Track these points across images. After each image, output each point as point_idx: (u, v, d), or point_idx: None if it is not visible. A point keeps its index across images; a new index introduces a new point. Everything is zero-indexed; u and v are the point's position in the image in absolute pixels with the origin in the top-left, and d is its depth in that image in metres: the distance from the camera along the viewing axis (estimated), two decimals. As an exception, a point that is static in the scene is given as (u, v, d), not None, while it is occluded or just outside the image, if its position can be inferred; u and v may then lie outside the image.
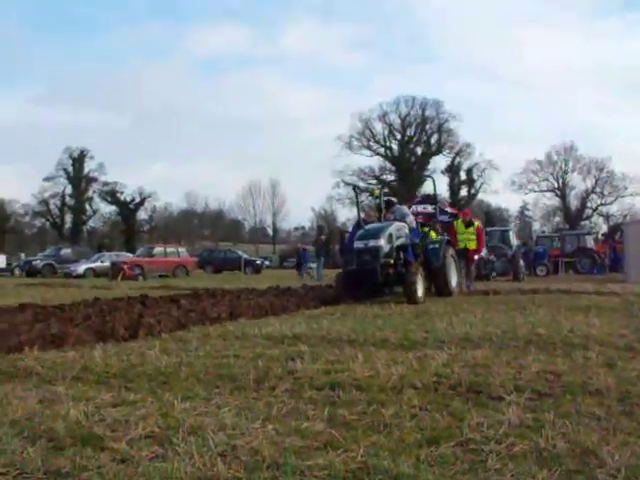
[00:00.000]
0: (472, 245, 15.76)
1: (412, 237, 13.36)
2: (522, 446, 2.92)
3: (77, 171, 72.24)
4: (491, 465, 2.69)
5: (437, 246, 13.55)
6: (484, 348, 5.79)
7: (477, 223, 16.46)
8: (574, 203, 73.96)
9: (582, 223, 68.86)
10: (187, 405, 3.77)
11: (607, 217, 72.40)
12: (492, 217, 68.11)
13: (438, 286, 13.51)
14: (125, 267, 30.43)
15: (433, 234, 14.67)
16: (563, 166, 73.07)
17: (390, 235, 12.45)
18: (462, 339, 6.42)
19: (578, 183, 73.17)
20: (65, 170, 72.33)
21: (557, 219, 76.04)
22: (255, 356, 5.52)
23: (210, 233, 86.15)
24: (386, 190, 16.41)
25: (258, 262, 46.41)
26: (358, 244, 12.34)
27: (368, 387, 4.22)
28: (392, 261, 12.22)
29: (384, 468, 2.65)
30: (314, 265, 28.65)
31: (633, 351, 5.62)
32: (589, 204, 73.31)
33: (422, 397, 3.92)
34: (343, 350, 5.78)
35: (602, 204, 72.57)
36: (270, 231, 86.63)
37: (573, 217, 71.09)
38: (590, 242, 38.62)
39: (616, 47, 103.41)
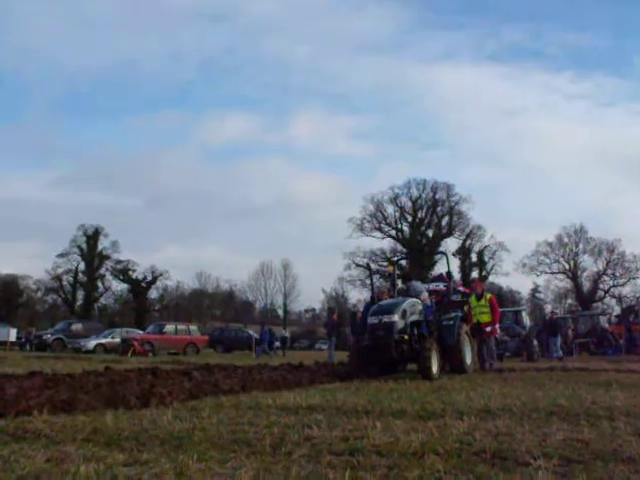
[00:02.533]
0: (485, 318, 15.27)
1: (426, 313, 13.23)
2: (557, 507, 2.78)
3: (91, 248, 72.67)
4: (525, 526, 2.55)
5: (451, 323, 13.38)
6: (505, 418, 5.62)
7: (489, 295, 16.08)
8: (586, 285, 73.58)
9: (594, 305, 68.24)
10: (202, 466, 3.64)
11: (619, 299, 71.62)
12: (504, 299, 67.54)
13: (453, 364, 13.26)
14: (135, 343, 30.21)
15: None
16: (574, 248, 73.07)
17: (404, 311, 12.33)
18: (481, 410, 6.24)
19: (589, 265, 73.06)
20: (79, 247, 72.83)
21: (569, 301, 75.48)
22: (270, 423, 5.37)
23: (221, 313, 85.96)
24: (398, 272, 16.23)
25: (273, 341, 45.90)
26: (372, 319, 12.22)
27: (388, 453, 4.07)
28: (406, 337, 12.04)
29: (412, 527, 2.51)
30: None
31: (661, 423, 5.43)
32: (601, 286, 72.90)
33: (445, 462, 3.77)
34: (360, 420, 5.61)
35: (614, 286, 72.16)
36: (281, 312, 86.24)
37: (585, 299, 70.50)
38: (604, 323, 38.18)
39: (621, 134, 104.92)
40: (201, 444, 4.41)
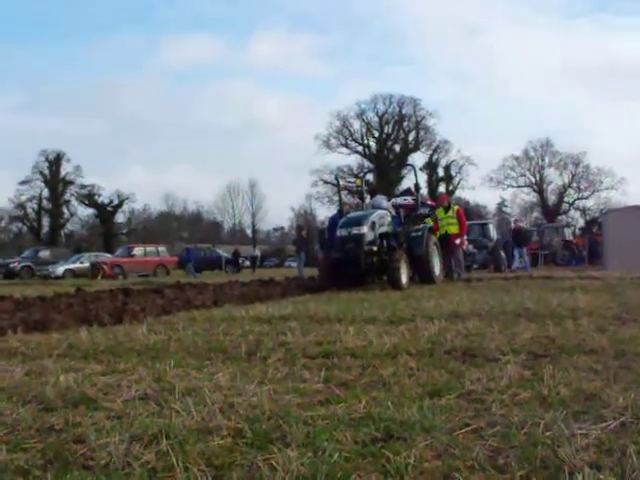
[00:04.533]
0: (453, 229, 15.40)
1: (394, 225, 13.34)
2: (525, 394, 2.89)
3: (54, 174, 71.15)
4: (496, 411, 2.65)
5: (419, 234, 13.50)
6: (474, 321, 5.76)
7: (456, 207, 16.12)
8: (551, 198, 74.32)
9: (559, 218, 69.22)
10: (180, 372, 3.70)
11: (584, 211, 72.77)
12: (470, 213, 67.99)
13: (421, 274, 13.46)
14: (105, 266, 30.17)
15: (441, 212, 15.05)
16: (540, 161, 73.44)
17: (373, 223, 12.42)
18: (451, 315, 6.40)
19: (555, 178, 73.55)
20: (41, 173, 71.22)
21: (535, 214, 76.46)
22: (244, 332, 5.46)
23: (189, 235, 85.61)
24: (366, 188, 15.90)
25: (239, 261, 46.15)
26: (341, 232, 12.29)
27: (362, 354, 4.16)
28: (375, 249, 12.17)
29: (388, 416, 2.59)
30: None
31: (622, 320, 5.63)
32: (566, 199, 73.66)
33: (418, 360, 3.88)
34: (333, 326, 5.72)
35: (579, 198, 72.97)
36: (249, 232, 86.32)
37: (551, 212, 71.40)
38: (569, 235, 38.94)
39: (589, 46, 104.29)
40: (177, 353, 4.47)
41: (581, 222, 69.81)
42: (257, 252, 49.75)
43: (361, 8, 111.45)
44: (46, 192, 71.58)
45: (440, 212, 15.63)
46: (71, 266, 35.69)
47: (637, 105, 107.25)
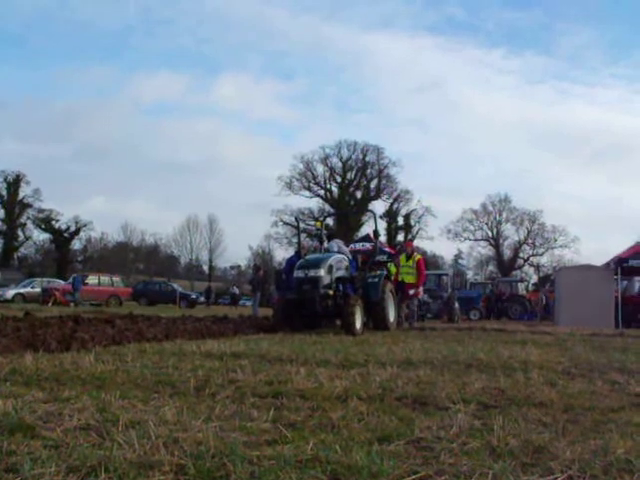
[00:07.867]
0: (409, 279, 15.41)
1: (351, 270, 13.35)
2: (474, 444, 2.87)
3: (11, 195, 70.10)
4: (445, 459, 2.62)
5: (376, 280, 13.54)
6: (426, 369, 5.75)
7: (418, 256, 16.16)
8: (507, 253, 75.66)
9: (514, 272, 70.30)
10: (125, 403, 3.61)
11: (537, 267, 74.16)
12: (427, 264, 68.48)
13: (376, 320, 13.45)
14: (57, 293, 29.59)
15: (393, 269, 14.98)
16: (497, 217, 74.87)
17: (330, 266, 12.40)
18: (403, 362, 6.37)
19: (511, 233, 75.04)
20: (-1, 194, 70.18)
21: (490, 268, 77.54)
22: (194, 367, 5.37)
23: (145, 267, 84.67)
24: (325, 232, 15.77)
25: (193, 296, 45.70)
26: (298, 273, 12.25)
27: (312, 396, 4.11)
28: (331, 292, 12.13)
29: (336, 459, 2.55)
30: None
31: (571, 374, 5.68)
32: (521, 254, 75.10)
33: (369, 405, 3.84)
34: (284, 366, 5.66)
35: (533, 255, 74.48)
36: (206, 268, 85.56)
37: (506, 266, 72.58)
38: (522, 289, 39.51)
39: (547, 111, 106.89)
40: (124, 384, 4.38)
41: (534, 278, 71.00)
42: (236, 290, 49.51)
43: (330, 56, 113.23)
44: (2, 213, 70.32)
45: (402, 259, 15.67)
46: (22, 290, 35.00)
47: (590, 169, 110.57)
